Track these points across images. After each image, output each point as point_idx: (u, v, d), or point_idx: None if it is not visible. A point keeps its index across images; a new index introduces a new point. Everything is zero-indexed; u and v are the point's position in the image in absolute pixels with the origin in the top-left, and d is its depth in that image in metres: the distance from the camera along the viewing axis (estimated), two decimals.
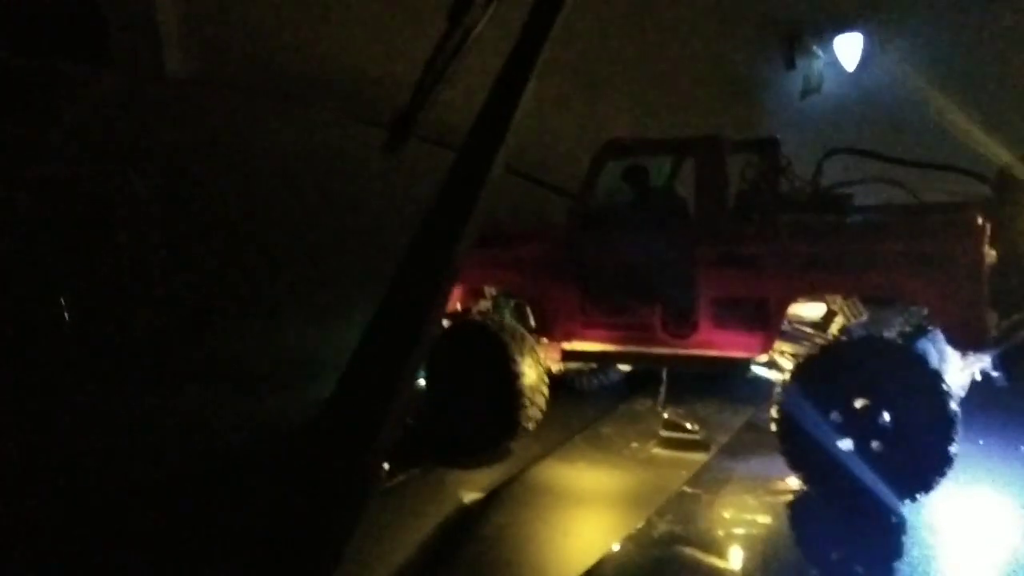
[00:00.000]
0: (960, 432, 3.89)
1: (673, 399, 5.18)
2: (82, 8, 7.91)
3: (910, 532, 3.74)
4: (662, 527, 3.73)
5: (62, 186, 6.43)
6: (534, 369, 4.82)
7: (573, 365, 5.33)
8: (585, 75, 8.88)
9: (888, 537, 3.73)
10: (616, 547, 3.56)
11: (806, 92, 10.24)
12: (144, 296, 6.15)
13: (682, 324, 4.71)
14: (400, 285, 1.44)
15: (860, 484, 3.93)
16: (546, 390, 4.92)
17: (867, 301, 4.55)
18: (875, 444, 3.98)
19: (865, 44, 9.55)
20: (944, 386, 3.94)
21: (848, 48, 9.69)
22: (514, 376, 4.73)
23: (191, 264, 6.58)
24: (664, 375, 5.14)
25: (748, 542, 3.74)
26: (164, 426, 4.70)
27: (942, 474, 3.88)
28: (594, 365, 5.66)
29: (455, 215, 1.47)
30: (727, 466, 4.50)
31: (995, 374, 4.22)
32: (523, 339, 4.89)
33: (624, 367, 5.60)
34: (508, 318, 5.16)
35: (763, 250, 4.44)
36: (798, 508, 4.11)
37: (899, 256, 4.12)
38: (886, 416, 3.98)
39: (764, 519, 3.96)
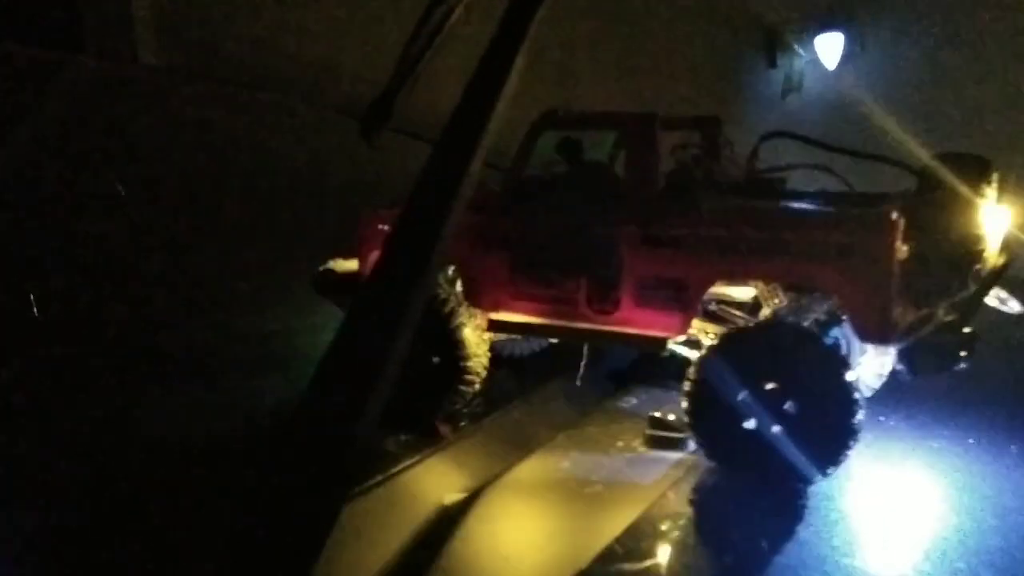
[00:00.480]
0: (863, 417, 4.00)
1: (658, 398, 5.19)
2: None
3: (825, 512, 3.85)
4: (646, 533, 3.66)
5: (35, 175, 6.43)
6: (472, 327, 4.87)
7: (499, 336, 5.40)
8: (566, 73, 8.91)
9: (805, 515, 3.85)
10: (599, 552, 3.46)
11: (787, 90, 10.29)
12: (119, 288, 6.04)
13: (605, 301, 4.78)
14: (380, 274, 1.38)
15: (767, 463, 4.06)
16: (487, 348, 4.97)
17: (789, 288, 4.63)
18: (781, 426, 4.07)
19: (846, 43, 9.58)
20: (846, 372, 4.03)
21: (829, 47, 9.73)
22: (454, 333, 4.78)
23: (167, 255, 6.55)
24: (585, 350, 5.20)
25: (733, 548, 3.69)
26: (142, 420, 4.62)
27: (844, 455, 3.99)
28: (517, 337, 5.71)
29: (434, 209, 1.42)
30: (712, 464, 4.37)
31: (899, 367, 4.28)
32: (458, 298, 4.96)
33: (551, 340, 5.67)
34: (441, 282, 5.22)
35: (684, 232, 4.49)
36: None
37: (811, 245, 4.17)
38: (792, 399, 4.06)
39: (758, 520, 3.89)
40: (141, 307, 5.89)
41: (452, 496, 4.00)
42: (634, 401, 5.34)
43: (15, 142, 6.44)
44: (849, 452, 3.99)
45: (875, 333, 4.15)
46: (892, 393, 4.85)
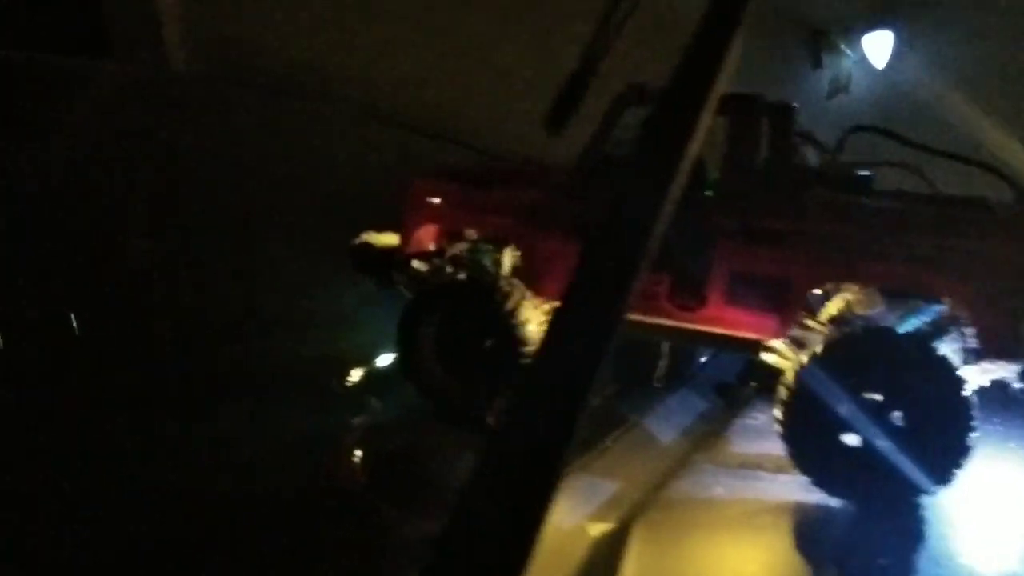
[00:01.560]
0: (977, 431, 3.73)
1: None
2: (82, 2, 7.64)
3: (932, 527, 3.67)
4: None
5: (68, 188, 6.04)
6: (537, 323, 4.41)
7: None
8: (605, 72, 8.55)
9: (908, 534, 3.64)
10: None
11: (834, 91, 9.90)
12: (162, 304, 5.61)
13: (690, 296, 4.34)
14: (587, 274, 1.22)
15: (871, 480, 3.75)
16: None
17: (889, 294, 4.27)
18: (889, 441, 3.74)
19: (895, 42, 9.22)
20: (967, 389, 3.72)
21: (877, 46, 9.35)
22: (516, 329, 4.36)
23: (205, 269, 6.13)
24: (665, 349, 4.79)
25: None
26: (200, 444, 4.16)
27: (957, 469, 3.73)
28: None
29: (650, 199, 1.23)
30: None
31: (1018, 386, 3.94)
32: (522, 291, 4.51)
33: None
34: (489, 265, 4.77)
35: (791, 227, 4.10)
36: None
37: (941, 250, 3.84)
38: (899, 413, 3.77)
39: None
40: (193, 325, 5.37)
41: (598, 527, 3.52)
42: (762, 417, 4.70)
43: (45, 151, 5.98)
44: (961, 468, 3.73)
45: (1000, 347, 3.82)
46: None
